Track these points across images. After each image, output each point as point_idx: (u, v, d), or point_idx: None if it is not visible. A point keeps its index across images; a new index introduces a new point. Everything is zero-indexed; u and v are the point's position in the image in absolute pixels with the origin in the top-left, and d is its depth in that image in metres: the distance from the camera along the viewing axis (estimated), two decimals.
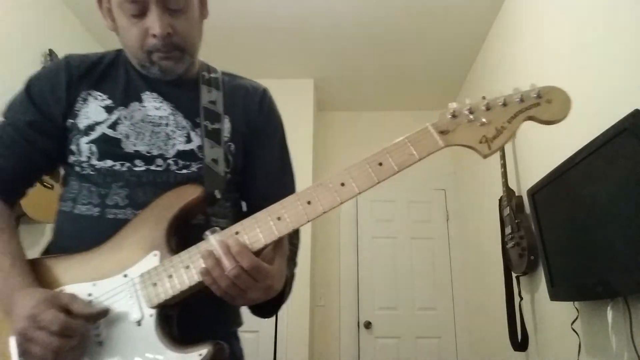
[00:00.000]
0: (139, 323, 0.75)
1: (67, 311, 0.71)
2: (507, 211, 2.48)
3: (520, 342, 2.40)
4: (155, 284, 0.75)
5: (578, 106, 2.07)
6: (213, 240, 0.73)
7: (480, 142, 0.75)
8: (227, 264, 0.70)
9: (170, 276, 0.75)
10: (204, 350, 0.72)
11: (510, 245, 2.42)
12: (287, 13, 3.00)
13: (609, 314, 1.59)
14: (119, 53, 0.98)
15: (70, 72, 0.92)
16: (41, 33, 2.75)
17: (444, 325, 3.72)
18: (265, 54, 3.41)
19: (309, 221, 0.75)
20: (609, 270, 1.50)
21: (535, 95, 0.76)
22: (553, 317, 2.15)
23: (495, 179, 2.70)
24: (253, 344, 3.24)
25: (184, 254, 0.76)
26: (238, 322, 0.96)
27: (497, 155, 2.64)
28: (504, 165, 2.59)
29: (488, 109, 0.76)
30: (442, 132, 0.76)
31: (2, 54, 2.43)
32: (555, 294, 1.91)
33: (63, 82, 0.90)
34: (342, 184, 0.75)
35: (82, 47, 3.14)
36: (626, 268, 1.40)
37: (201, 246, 0.76)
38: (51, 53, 2.72)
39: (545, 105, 0.75)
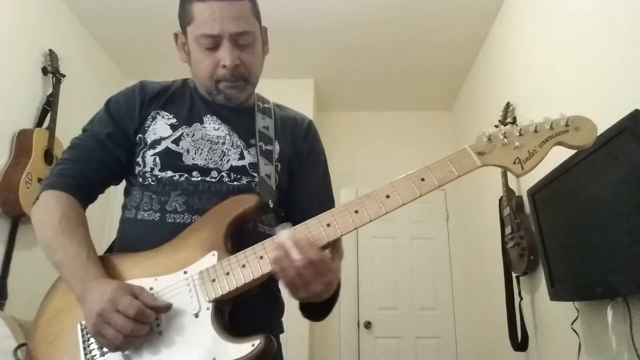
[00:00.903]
0: (196, 315, 0.82)
1: (137, 300, 0.78)
2: (507, 211, 2.48)
3: (520, 342, 2.40)
4: (213, 280, 0.83)
5: (578, 106, 2.08)
6: (285, 233, 0.80)
7: (514, 163, 0.83)
8: (295, 255, 0.77)
9: (227, 274, 0.83)
10: (257, 341, 0.78)
11: (510, 245, 2.42)
12: (287, 13, 3.01)
13: (609, 314, 1.59)
14: (185, 82, 1.12)
15: (143, 94, 1.05)
16: (41, 33, 2.75)
17: (444, 325, 3.72)
18: None
19: (356, 228, 0.83)
20: (609, 270, 1.50)
21: (564, 124, 0.84)
22: (553, 317, 2.15)
23: (495, 179, 2.70)
24: None
25: (240, 254, 0.84)
26: (280, 329, 1.06)
27: None
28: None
29: (521, 134, 0.85)
30: (479, 153, 0.84)
31: (2, 54, 2.43)
32: (555, 294, 1.91)
33: (137, 102, 1.04)
34: (387, 196, 0.83)
35: (82, 47, 3.14)
36: (626, 268, 1.40)
37: (256, 248, 0.84)
38: (51, 53, 2.72)
39: (573, 132, 0.84)
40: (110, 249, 1.02)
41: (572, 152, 1.69)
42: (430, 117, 4.22)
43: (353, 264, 3.88)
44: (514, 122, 2.58)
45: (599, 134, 1.50)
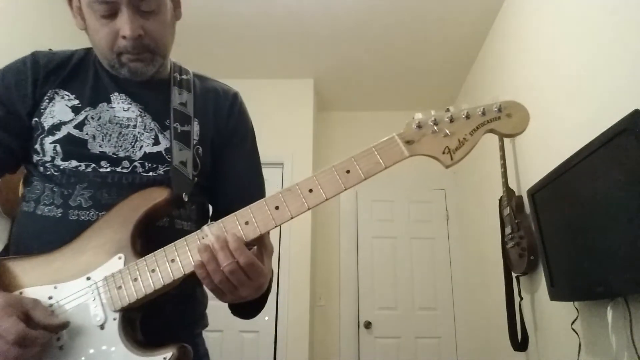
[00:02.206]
0: (102, 327, 0.74)
1: (27, 318, 0.69)
2: (507, 211, 2.48)
3: (520, 342, 2.40)
4: (120, 287, 0.75)
5: (578, 106, 2.08)
6: (210, 234, 0.73)
7: (444, 153, 0.78)
8: (223, 258, 0.70)
9: (135, 279, 0.75)
10: (169, 354, 0.71)
11: (510, 245, 2.42)
12: (287, 13, 3.00)
13: (609, 314, 1.59)
14: (88, 52, 0.97)
15: (36, 69, 0.90)
16: (41, 33, 2.75)
17: (444, 325, 3.72)
18: (265, 54, 3.41)
19: (276, 226, 0.75)
20: (609, 270, 1.49)
21: (496, 109, 0.80)
22: (553, 317, 2.15)
23: (495, 179, 2.70)
24: (253, 344, 3.24)
25: (149, 257, 0.76)
26: (203, 324, 0.96)
27: (497, 155, 2.64)
28: (504, 165, 2.58)
29: (452, 120, 0.79)
30: (408, 142, 0.79)
31: (2, 54, 2.43)
32: (555, 294, 1.91)
33: (29, 79, 0.89)
34: (310, 190, 0.76)
35: (82, 47, 3.14)
36: (626, 268, 1.40)
37: (180, 242, 0.76)
38: None
39: (506, 119, 0.80)
40: (6, 250, 0.89)
41: (572, 152, 1.71)
42: None
43: (353, 264, 3.88)
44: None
45: (599, 133, 1.53)
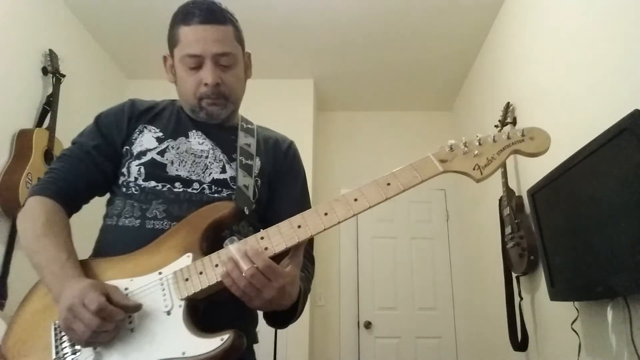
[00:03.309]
0: (168, 313, 0.85)
1: (108, 297, 0.81)
2: (507, 211, 2.48)
3: (520, 342, 2.40)
4: (187, 279, 0.86)
5: (578, 106, 2.08)
6: (231, 247, 0.83)
7: (474, 169, 0.90)
8: (243, 265, 0.80)
9: (200, 273, 0.86)
10: (226, 336, 0.80)
11: (510, 245, 2.42)
12: (287, 12, 3.01)
13: (609, 314, 1.59)
14: (173, 102, 1.17)
15: (132, 109, 1.11)
16: (41, 33, 2.75)
17: (444, 325, 3.72)
18: (265, 54, 3.41)
19: (325, 229, 0.86)
20: (609, 270, 1.49)
21: (520, 134, 0.91)
22: (553, 317, 2.15)
23: (495, 179, 2.70)
24: None
25: (214, 255, 0.88)
26: (253, 339, 1.08)
27: None
28: (504, 166, 2.59)
29: (480, 144, 0.91)
30: (442, 161, 0.91)
31: (2, 54, 2.43)
32: (555, 294, 1.91)
33: (126, 116, 1.09)
34: (355, 200, 0.88)
35: (82, 47, 3.14)
36: (626, 268, 1.40)
37: (223, 252, 0.87)
38: (51, 53, 2.72)
39: (529, 142, 0.91)
40: (92, 256, 1.04)
41: (572, 152, 1.71)
42: (430, 117, 4.22)
43: (353, 264, 3.88)
44: (514, 122, 2.58)
45: (598, 133, 1.53)
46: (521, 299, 2.42)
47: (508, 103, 2.64)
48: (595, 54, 1.82)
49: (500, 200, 2.61)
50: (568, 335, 1.88)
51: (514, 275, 2.47)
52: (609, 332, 1.58)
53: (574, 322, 1.85)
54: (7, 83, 2.47)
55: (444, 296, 3.79)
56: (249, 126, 1.19)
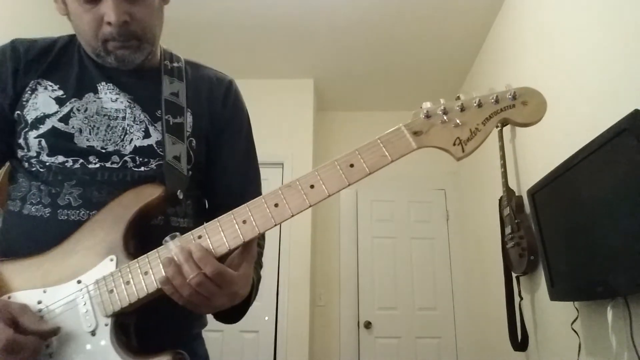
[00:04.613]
0: (93, 333, 0.70)
1: (16, 324, 0.66)
2: (507, 211, 2.48)
3: (520, 342, 2.40)
4: (111, 291, 0.71)
5: (578, 106, 2.07)
6: (173, 247, 0.69)
7: (454, 145, 0.73)
8: (188, 271, 0.66)
9: (127, 282, 0.71)
10: (165, 358, 0.68)
11: (510, 245, 2.42)
12: (287, 12, 3.00)
13: (609, 314, 1.58)
14: (72, 39, 0.91)
15: (16, 58, 0.85)
16: (41, 33, 2.74)
17: (444, 325, 3.72)
18: (265, 53, 3.41)
19: (276, 225, 0.71)
20: (609, 270, 1.49)
21: (510, 97, 0.74)
22: (553, 317, 2.14)
23: (495, 179, 2.70)
24: (253, 344, 3.24)
25: (142, 259, 0.72)
26: (202, 323, 0.93)
27: (497, 155, 2.64)
28: (504, 165, 2.58)
29: (463, 109, 0.73)
30: (415, 133, 0.73)
31: None
32: (555, 294, 1.91)
33: (9, 70, 0.84)
34: (312, 186, 0.71)
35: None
36: (626, 268, 1.40)
37: (161, 252, 0.71)
38: None
39: (520, 107, 0.73)
40: None
41: (572, 152, 1.71)
42: None
43: (353, 264, 3.88)
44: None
45: (598, 133, 1.53)
46: (521, 299, 2.42)
47: None
48: (595, 55, 1.82)
49: (500, 200, 2.61)
50: (568, 335, 1.88)
51: (514, 275, 2.47)
52: (609, 332, 1.58)
53: (574, 322, 1.85)
54: None
55: (444, 296, 3.79)
56: (176, 65, 0.94)
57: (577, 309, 1.87)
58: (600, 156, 1.54)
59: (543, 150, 2.24)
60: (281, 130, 3.64)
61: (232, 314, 0.80)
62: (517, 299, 2.44)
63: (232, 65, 3.54)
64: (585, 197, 1.66)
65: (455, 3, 2.89)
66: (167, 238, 0.70)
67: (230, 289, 0.69)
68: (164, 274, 0.67)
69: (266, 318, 3.26)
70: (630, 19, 1.60)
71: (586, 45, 1.90)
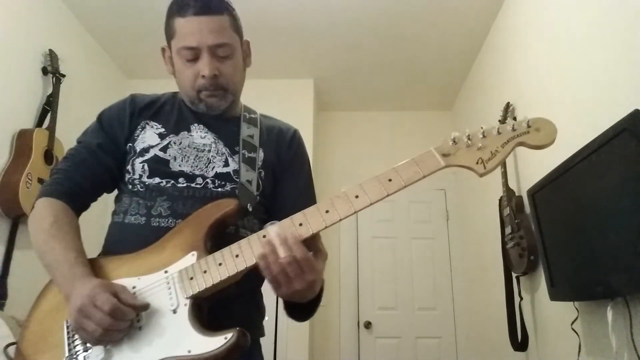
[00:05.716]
0: (174, 311, 0.87)
1: (117, 297, 0.83)
2: (507, 211, 2.48)
3: (520, 342, 2.40)
4: (191, 278, 0.88)
5: (578, 106, 2.07)
6: (271, 230, 0.85)
7: (477, 163, 0.87)
8: (282, 252, 0.82)
9: (205, 272, 0.88)
10: (229, 334, 0.82)
11: (510, 245, 2.42)
12: (286, 12, 3.00)
13: (609, 314, 1.58)
14: (174, 94, 1.17)
15: (134, 105, 1.11)
16: (41, 33, 2.74)
17: (444, 325, 3.72)
18: (265, 54, 3.41)
19: (327, 227, 0.87)
20: (609, 270, 1.49)
21: (525, 125, 0.89)
22: (553, 317, 2.15)
23: (495, 179, 2.70)
24: None
25: (217, 254, 0.89)
26: (260, 333, 1.10)
27: None
28: (504, 165, 2.59)
29: (484, 136, 0.89)
30: (444, 155, 0.89)
31: (2, 54, 2.43)
32: (555, 294, 1.91)
33: (127, 113, 1.10)
34: (357, 196, 0.87)
35: (82, 47, 3.14)
36: (626, 268, 1.40)
37: (244, 241, 0.88)
38: (51, 53, 2.72)
39: (534, 133, 0.89)
40: (100, 254, 1.06)
41: (572, 152, 1.71)
42: (430, 117, 4.22)
43: (353, 264, 3.88)
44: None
45: (598, 133, 1.53)
46: (521, 299, 2.42)
47: (508, 103, 2.64)
48: (595, 54, 1.82)
49: (500, 200, 2.61)
50: (568, 335, 1.88)
51: (514, 275, 2.47)
52: (609, 332, 1.58)
53: (574, 322, 1.85)
54: (7, 83, 2.47)
55: (444, 296, 3.79)
56: (252, 116, 1.18)
57: (577, 309, 1.87)
58: (600, 156, 1.54)
59: (543, 150, 2.24)
60: None
61: (303, 310, 0.96)
62: (517, 299, 2.44)
63: None
64: (585, 197, 1.66)
65: (455, 3, 2.89)
66: (268, 224, 0.88)
67: (311, 276, 0.84)
68: (254, 255, 0.85)
69: (266, 318, 3.25)
70: (630, 19, 1.60)
71: (586, 45, 1.90)
